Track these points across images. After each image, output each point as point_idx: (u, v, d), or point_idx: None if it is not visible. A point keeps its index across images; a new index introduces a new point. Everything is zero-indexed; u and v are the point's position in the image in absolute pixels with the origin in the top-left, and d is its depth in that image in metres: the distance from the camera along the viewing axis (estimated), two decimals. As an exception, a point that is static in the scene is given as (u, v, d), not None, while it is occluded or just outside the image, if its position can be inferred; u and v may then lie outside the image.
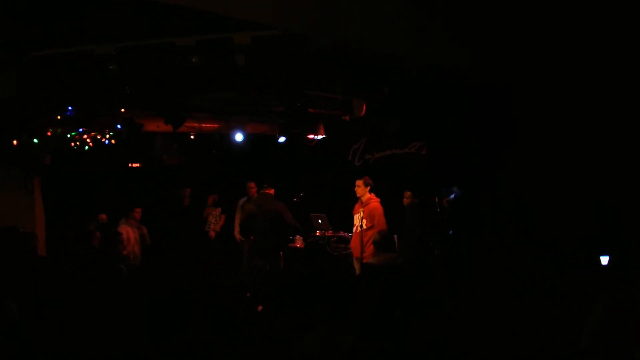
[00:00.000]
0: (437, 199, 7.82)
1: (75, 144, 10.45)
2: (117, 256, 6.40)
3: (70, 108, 7.92)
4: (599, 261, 5.77)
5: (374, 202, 7.05)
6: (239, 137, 9.91)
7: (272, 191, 7.65)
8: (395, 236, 7.43)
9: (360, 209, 7.05)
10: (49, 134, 8.86)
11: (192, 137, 10.84)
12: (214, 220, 9.92)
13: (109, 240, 5.95)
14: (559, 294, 4.02)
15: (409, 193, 7.67)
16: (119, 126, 9.29)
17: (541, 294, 4.04)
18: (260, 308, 6.29)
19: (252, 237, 7.93)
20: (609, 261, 5.70)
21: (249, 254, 8.03)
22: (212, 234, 9.81)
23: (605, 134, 5.93)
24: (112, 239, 5.83)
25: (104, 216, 9.62)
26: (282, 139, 9.71)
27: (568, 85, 5.99)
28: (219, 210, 9.96)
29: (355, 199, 7.23)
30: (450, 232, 7.61)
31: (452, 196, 7.56)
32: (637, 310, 3.10)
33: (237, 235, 9.09)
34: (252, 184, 9.09)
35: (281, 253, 7.62)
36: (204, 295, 3.37)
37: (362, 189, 7.09)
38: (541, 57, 5.49)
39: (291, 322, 2.64)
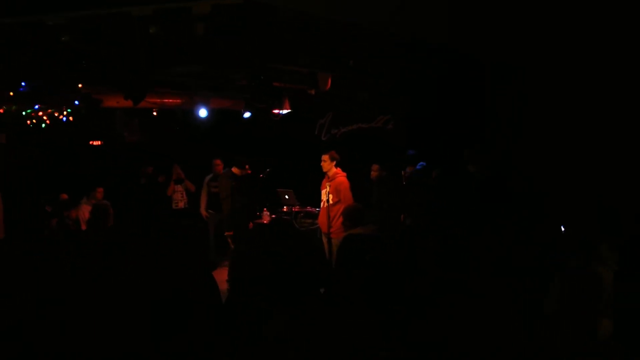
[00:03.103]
0: (403, 173, 7.80)
1: (32, 122, 10.04)
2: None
3: (23, 84, 7.55)
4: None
5: (340, 177, 7.00)
6: (202, 112, 9.68)
7: (235, 169, 7.73)
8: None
9: (327, 184, 6.99)
10: (1, 111, 8.47)
11: (154, 113, 10.55)
12: (180, 197, 9.73)
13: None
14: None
15: (376, 166, 7.63)
16: (76, 102, 8.95)
17: (541, 294, 4.05)
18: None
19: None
20: None
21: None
22: (181, 204, 9.65)
23: (606, 134, 5.95)
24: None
25: (64, 196, 9.36)
26: (247, 114, 9.52)
27: (566, 71, 5.96)
28: (185, 183, 9.75)
29: (322, 174, 7.16)
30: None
31: (418, 167, 7.51)
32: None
33: (204, 212, 8.99)
34: (218, 161, 8.95)
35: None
36: (204, 295, 3.24)
37: (328, 164, 7.02)
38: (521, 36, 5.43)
39: (292, 321, 2.56)
